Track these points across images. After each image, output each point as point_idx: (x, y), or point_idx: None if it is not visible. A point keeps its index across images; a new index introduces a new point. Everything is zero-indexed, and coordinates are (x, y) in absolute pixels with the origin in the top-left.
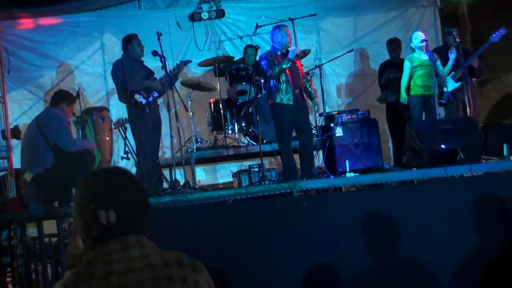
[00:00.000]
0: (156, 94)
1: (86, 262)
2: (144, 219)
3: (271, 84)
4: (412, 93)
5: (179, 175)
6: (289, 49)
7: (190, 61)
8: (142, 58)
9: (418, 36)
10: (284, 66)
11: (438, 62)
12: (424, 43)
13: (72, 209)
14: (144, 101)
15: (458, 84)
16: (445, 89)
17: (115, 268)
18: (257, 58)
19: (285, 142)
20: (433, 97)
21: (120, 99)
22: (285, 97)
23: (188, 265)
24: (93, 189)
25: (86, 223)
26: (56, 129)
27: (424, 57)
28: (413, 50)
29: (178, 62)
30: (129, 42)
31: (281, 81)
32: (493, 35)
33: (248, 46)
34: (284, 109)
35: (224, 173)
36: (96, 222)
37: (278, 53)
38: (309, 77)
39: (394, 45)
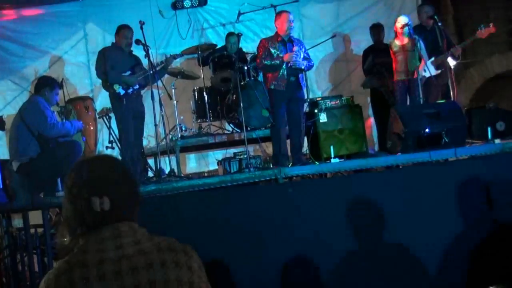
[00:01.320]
0: (136, 86)
1: (78, 250)
2: (136, 206)
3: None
4: (394, 79)
5: (164, 164)
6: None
7: (182, 55)
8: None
9: (399, 21)
10: (273, 63)
11: (422, 46)
12: (406, 28)
13: (60, 199)
14: (122, 92)
15: (438, 71)
16: (426, 73)
17: (108, 256)
18: (240, 45)
19: (277, 127)
20: (415, 81)
21: (103, 87)
22: (279, 84)
23: (179, 250)
24: (86, 176)
25: (78, 211)
26: (34, 116)
27: (404, 41)
28: (395, 35)
29: (168, 55)
30: (117, 33)
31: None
32: (480, 31)
33: (230, 34)
34: (278, 95)
35: (209, 161)
36: (89, 209)
37: (279, 39)
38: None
39: (376, 30)
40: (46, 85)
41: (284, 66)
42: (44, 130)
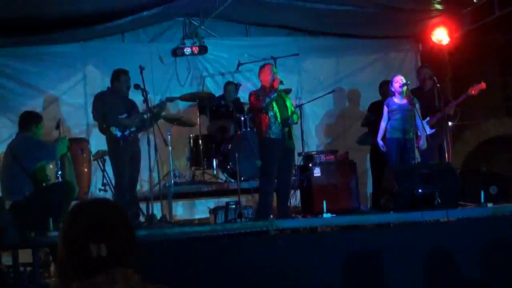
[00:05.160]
0: (133, 128)
1: None
2: (132, 252)
3: (261, 118)
4: (388, 135)
5: (156, 209)
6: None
7: (177, 98)
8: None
9: (398, 80)
10: (272, 97)
11: (417, 106)
12: (405, 87)
13: (51, 239)
14: (119, 134)
15: (433, 130)
16: (424, 133)
17: None
18: (237, 95)
19: (268, 177)
20: (410, 141)
21: (100, 130)
22: (274, 132)
23: None
24: (84, 222)
25: (73, 255)
26: (33, 151)
27: (403, 101)
28: (393, 94)
29: (163, 99)
30: (117, 78)
31: (271, 116)
32: (472, 88)
33: (228, 83)
34: (272, 144)
35: (201, 209)
36: (85, 254)
37: (266, 90)
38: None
39: (386, 87)
40: (32, 121)
41: (277, 116)
42: (48, 157)
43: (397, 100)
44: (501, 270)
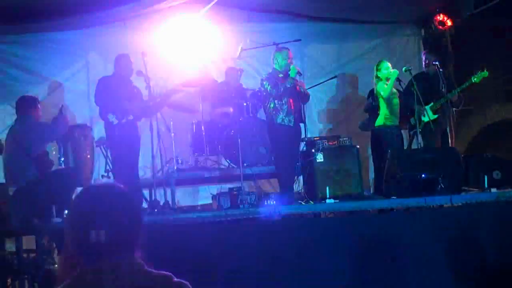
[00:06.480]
0: (131, 117)
1: (73, 280)
2: (136, 238)
3: (273, 105)
4: (388, 123)
5: (159, 196)
6: (290, 67)
7: (182, 90)
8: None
9: (389, 67)
10: (288, 85)
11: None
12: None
13: (55, 226)
14: (116, 121)
15: (436, 116)
16: (424, 119)
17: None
18: (240, 82)
19: (287, 162)
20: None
21: (99, 115)
22: (286, 118)
23: (176, 286)
24: (86, 208)
25: (76, 241)
26: (36, 133)
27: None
28: (380, 79)
29: (167, 91)
30: (118, 63)
31: (283, 102)
32: (475, 76)
33: (230, 68)
34: (284, 130)
35: (204, 195)
36: (87, 240)
37: (280, 75)
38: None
39: None
40: (31, 105)
41: (289, 102)
42: (52, 135)
43: (391, 86)
44: None
